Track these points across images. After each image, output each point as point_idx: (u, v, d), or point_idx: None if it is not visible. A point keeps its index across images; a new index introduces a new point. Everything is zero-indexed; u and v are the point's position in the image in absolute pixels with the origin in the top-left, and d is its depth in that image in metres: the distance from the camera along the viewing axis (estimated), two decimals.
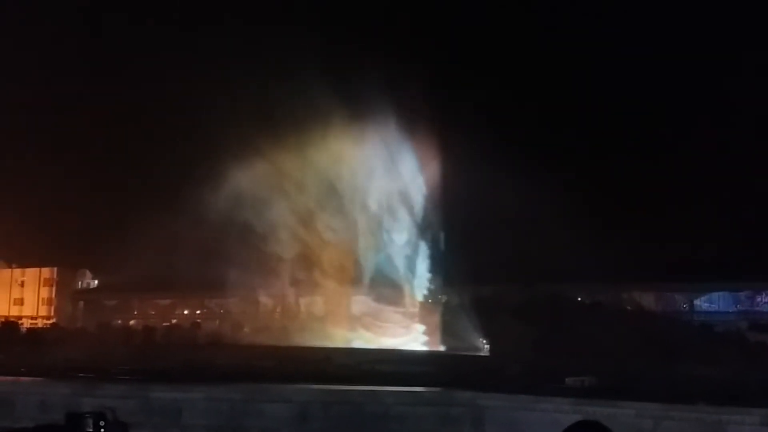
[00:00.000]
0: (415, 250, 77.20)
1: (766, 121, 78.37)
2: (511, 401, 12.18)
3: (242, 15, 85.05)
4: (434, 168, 76.87)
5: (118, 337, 63.72)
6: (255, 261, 74.20)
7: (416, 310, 74.70)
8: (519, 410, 11.78)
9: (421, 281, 76.35)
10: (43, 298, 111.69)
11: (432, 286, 75.81)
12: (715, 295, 79.93)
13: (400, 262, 76.50)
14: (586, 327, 46.87)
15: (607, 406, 11.10)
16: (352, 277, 76.77)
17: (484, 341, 59.02)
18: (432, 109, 72.15)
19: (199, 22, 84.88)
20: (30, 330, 78.02)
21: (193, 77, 79.29)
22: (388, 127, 75.19)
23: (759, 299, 78.91)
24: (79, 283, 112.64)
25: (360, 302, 77.11)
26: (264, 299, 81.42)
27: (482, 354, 55.88)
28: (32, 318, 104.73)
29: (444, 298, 74.18)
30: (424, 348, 66.61)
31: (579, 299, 67.52)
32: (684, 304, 79.54)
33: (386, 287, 75.20)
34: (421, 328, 71.85)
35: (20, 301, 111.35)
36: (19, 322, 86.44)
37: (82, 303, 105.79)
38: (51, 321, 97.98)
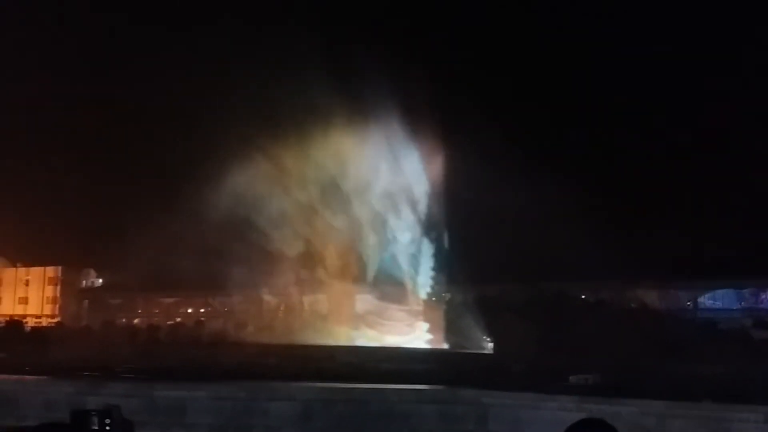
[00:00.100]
0: (419, 249, 77.23)
1: (765, 119, 78.23)
2: (515, 399, 12.18)
3: (242, 15, 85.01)
4: (438, 167, 76.92)
5: (122, 336, 63.92)
6: (259, 259, 74.30)
7: (420, 308, 74.76)
8: (523, 408, 11.78)
9: (425, 279, 76.39)
10: (47, 297, 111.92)
11: (436, 285, 75.83)
12: (719, 292, 79.80)
13: (404, 261, 76.54)
14: (589, 325, 46.85)
15: (611, 403, 11.09)
16: (356, 275, 76.86)
17: (488, 339, 59.09)
18: (435, 108, 72.12)
19: (198, 22, 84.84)
20: (34, 329, 78.23)
21: (195, 77, 79.43)
22: (392, 126, 75.21)
23: (763, 297, 78.77)
24: (84, 281, 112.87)
25: (364, 300, 77.17)
26: (268, 297, 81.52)
27: (486, 352, 56.00)
28: (37, 317, 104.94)
29: (448, 297, 74.22)
30: (428, 346, 66.70)
31: (583, 297, 67.50)
32: (688, 301, 79.43)
33: (390, 285, 75.24)
34: (425, 326, 71.93)
35: (25, 300, 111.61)
36: (24, 321, 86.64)
37: (86, 302, 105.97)
38: (55, 320, 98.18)
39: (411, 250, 77.22)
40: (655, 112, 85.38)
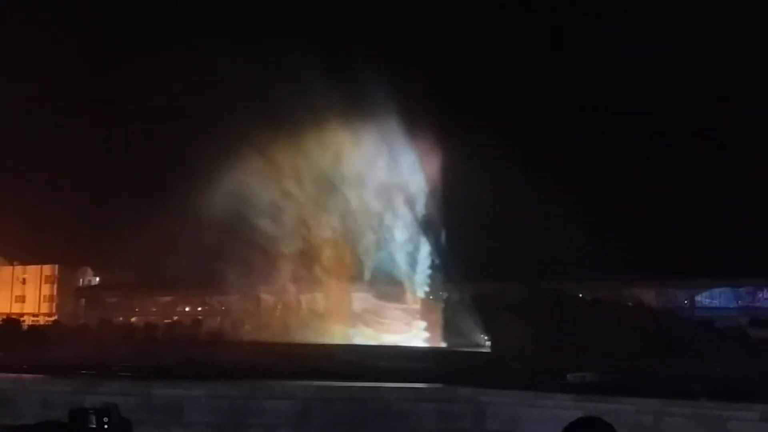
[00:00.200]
0: (416, 247, 77.22)
1: (765, 119, 78.30)
2: (512, 397, 12.20)
3: (241, 14, 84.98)
4: (436, 165, 76.88)
5: (119, 335, 63.87)
6: (256, 258, 74.26)
7: (418, 306, 74.78)
8: (520, 406, 11.80)
9: (422, 278, 76.38)
10: (44, 296, 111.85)
11: (433, 283, 75.83)
12: (716, 291, 79.97)
13: (401, 259, 76.54)
14: (587, 324, 46.88)
15: (608, 402, 11.11)
16: (353, 273, 76.85)
17: (486, 338, 59.09)
18: (433, 106, 72.09)
19: (198, 22, 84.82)
20: (31, 327, 78.08)
21: (192, 76, 79.34)
22: (390, 125, 75.17)
23: (760, 295, 78.98)
24: (81, 280, 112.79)
25: (361, 299, 77.17)
26: (265, 296, 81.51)
27: (484, 350, 55.97)
28: (34, 315, 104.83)
29: (445, 295, 74.23)
30: (426, 345, 66.71)
31: (580, 296, 67.55)
32: (685, 300, 79.56)
33: (388, 284, 75.24)
34: (423, 324, 71.93)
35: (22, 299, 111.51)
36: (21, 319, 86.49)
37: (83, 300, 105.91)
38: (52, 318, 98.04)
39: (409, 249, 77.21)
40: (653, 112, 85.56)
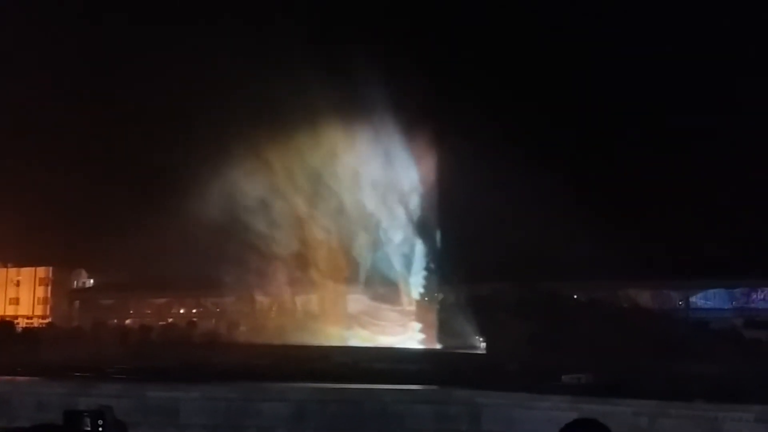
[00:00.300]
0: (411, 248, 77.26)
1: (763, 120, 78.45)
2: (508, 399, 12.19)
3: (241, 14, 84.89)
4: (431, 166, 76.96)
5: (114, 337, 63.80)
6: (251, 259, 74.24)
7: (413, 308, 74.79)
8: (516, 408, 11.79)
9: (417, 279, 76.41)
10: (38, 298, 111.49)
11: (429, 284, 75.85)
12: (711, 292, 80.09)
13: (396, 261, 76.57)
14: (582, 325, 46.98)
15: (603, 403, 11.11)
16: (348, 275, 76.85)
17: (481, 339, 59.14)
18: (429, 107, 72.21)
19: (198, 22, 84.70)
20: (26, 329, 77.96)
21: (189, 77, 79.25)
22: (385, 125, 75.22)
23: (755, 296, 79.12)
24: (75, 282, 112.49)
25: (357, 300, 77.16)
26: (260, 298, 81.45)
27: (479, 352, 56.02)
28: (28, 317, 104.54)
29: (441, 296, 74.27)
30: (421, 346, 66.72)
31: (575, 297, 67.63)
32: (680, 301, 79.69)
33: (383, 285, 75.28)
34: (418, 326, 71.96)
35: (16, 301, 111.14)
36: (15, 321, 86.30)
37: (77, 302, 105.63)
38: (47, 320, 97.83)
39: (404, 250, 77.25)
40: (651, 112, 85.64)
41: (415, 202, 77.97)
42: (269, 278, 76.74)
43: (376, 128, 75.69)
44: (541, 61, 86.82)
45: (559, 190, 67.62)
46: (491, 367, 35.70)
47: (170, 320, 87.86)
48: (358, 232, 77.97)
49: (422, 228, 77.22)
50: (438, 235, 76.14)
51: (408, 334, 71.30)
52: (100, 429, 6.17)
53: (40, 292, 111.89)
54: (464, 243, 69.42)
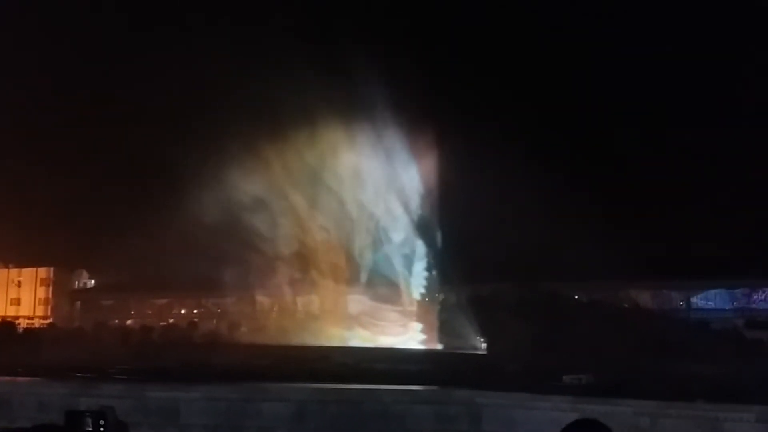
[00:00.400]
0: (412, 249, 77.22)
1: (762, 120, 78.41)
2: (508, 399, 12.20)
3: (241, 14, 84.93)
4: (431, 166, 76.92)
5: (115, 337, 63.76)
6: (252, 260, 74.21)
7: (413, 308, 74.75)
8: (517, 408, 11.80)
9: (418, 280, 76.37)
10: (39, 298, 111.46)
11: (429, 285, 75.82)
12: (711, 292, 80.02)
13: (397, 261, 76.52)
14: (583, 325, 46.94)
15: (604, 403, 11.12)
16: (349, 275, 76.82)
17: (482, 339, 59.11)
18: (429, 107, 72.17)
19: (197, 22, 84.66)
20: (27, 330, 77.93)
21: (189, 77, 79.28)
22: (385, 126, 75.20)
23: (755, 297, 79.04)
24: (76, 282, 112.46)
25: (357, 301, 77.13)
26: (261, 298, 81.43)
27: (480, 352, 55.98)
28: (29, 318, 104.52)
29: (441, 297, 74.22)
30: (422, 346, 66.69)
31: (576, 297, 67.59)
32: (681, 301, 79.62)
33: (383, 286, 75.23)
34: (419, 326, 71.92)
35: (17, 302, 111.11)
36: (16, 322, 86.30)
37: (78, 303, 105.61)
38: (48, 321, 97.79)
39: (404, 251, 77.22)
40: (651, 112, 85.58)
41: (415, 202, 77.93)
42: (270, 279, 76.73)
43: (376, 128, 75.67)
44: (541, 61, 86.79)
45: (560, 190, 67.61)
46: (492, 368, 35.68)
47: (171, 321, 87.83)
48: (359, 232, 77.96)
49: (423, 228, 77.18)
50: (438, 236, 76.11)
51: (408, 335, 71.26)
52: (102, 429, 6.20)
53: (41, 292, 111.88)
54: (465, 243, 69.40)
